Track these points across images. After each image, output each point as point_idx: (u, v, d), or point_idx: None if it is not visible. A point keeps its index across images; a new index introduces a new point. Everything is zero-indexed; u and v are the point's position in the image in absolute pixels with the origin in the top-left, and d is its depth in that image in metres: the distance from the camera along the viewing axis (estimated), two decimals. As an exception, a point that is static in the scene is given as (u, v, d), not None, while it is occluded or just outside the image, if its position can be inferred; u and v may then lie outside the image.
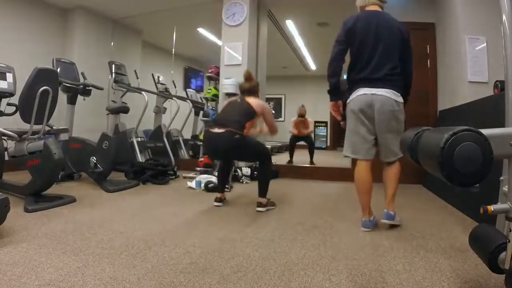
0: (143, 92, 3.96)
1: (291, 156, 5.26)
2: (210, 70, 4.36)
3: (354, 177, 1.92)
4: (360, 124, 1.90)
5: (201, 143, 4.07)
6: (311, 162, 5.06)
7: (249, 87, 2.53)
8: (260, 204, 2.32)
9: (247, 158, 2.50)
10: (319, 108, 7.67)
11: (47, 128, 2.54)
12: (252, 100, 2.44)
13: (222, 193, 2.51)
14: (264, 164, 2.49)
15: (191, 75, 6.47)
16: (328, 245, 1.62)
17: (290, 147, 5.41)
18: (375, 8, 1.98)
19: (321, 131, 8.73)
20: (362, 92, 1.87)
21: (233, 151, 2.32)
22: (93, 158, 2.87)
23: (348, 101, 1.97)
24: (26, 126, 2.32)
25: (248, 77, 2.58)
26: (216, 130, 2.29)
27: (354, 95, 1.91)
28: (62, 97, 3.20)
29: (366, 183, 1.87)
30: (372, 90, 1.83)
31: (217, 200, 2.45)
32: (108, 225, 1.84)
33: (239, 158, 2.45)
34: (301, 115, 5.60)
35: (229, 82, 3.83)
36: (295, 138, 5.49)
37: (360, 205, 1.90)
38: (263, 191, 2.37)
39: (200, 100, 5.15)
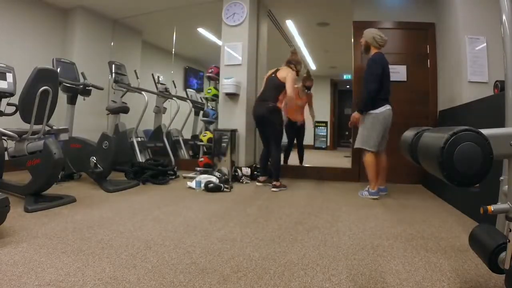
0: (143, 92, 3.97)
1: (287, 157, 4.39)
2: (210, 70, 4.36)
3: (369, 162, 2.83)
4: (385, 128, 2.80)
5: (201, 143, 4.07)
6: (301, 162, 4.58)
7: (289, 59, 3.33)
8: (273, 186, 3.13)
9: (271, 130, 3.25)
10: (319, 108, 7.65)
11: (47, 128, 2.54)
12: (281, 73, 3.24)
13: (264, 178, 3.35)
14: (275, 148, 3.23)
15: (191, 75, 6.48)
16: (328, 245, 1.62)
17: (289, 140, 4.38)
18: (380, 50, 2.88)
19: (321, 131, 8.72)
20: (388, 107, 2.80)
21: (267, 117, 3.18)
22: (93, 158, 2.87)
23: (378, 111, 2.79)
24: (26, 126, 2.32)
25: (293, 51, 3.47)
26: (259, 102, 3.30)
27: (383, 108, 2.78)
28: (62, 97, 3.20)
29: (376, 166, 2.84)
30: (388, 106, 2.81)
31: (258, 181, 3.36)
32: (108, 225, 1.85)
33: (269, 127, 3.25)
34: (307, 87, 4.49)
35: (229, 82, 3.83)
36: (291, 126, 4.33)
37: (371, 180, 2.84)
38: (275, 175, 3.19)
39: (200, 100, 5.15)
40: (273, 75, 3.29)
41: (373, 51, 2.86)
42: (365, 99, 2.78)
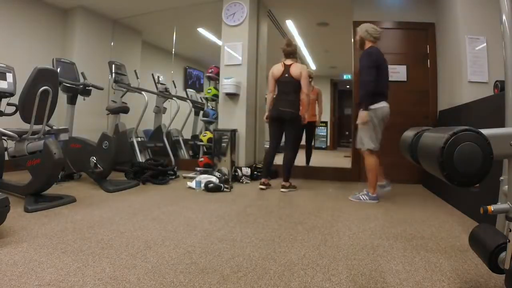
0: (143, 92, 3.97)
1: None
2: (210, 70, 4.36)
3: (373, 164, 2.65)
4: (381, 125, 2.67)
5: (201, 143, 4.07)
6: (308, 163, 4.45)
7: (291, 50, 3.17)
8: (283, 186, 3.11)
9: (291, 134, 3.18)
10: (319, 108, 7.66)
11: (47, 128, 2.54)
12: (293, 69, 3.10)
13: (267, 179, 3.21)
14: (292, 150, 3.22)
15: (195, 76, 6.50)
16: (328, 245, 1.62)
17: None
18: (376, 44, 2.73)
19: (321, 131, 8.73)
20: (385, 104, 2.64)
21: (290, 122, 3.11)
22: (93, 158, 2.87)
23: (376, 107, 2.61)
24: (26, 126, 2.32)
25: (289, 43, 3.22)
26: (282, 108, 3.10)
27: (381, 104, 2.63)
28: (62, 97, 3.20)
29: (378, 165, 2.70)
30: (385, 103, 2.66)
31: (261, 184, 3.16)
32: (108, 225, 1.85)
33: (288, 131, 3.18)
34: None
35: (229, 82, 3.83)
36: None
37: (373, 184, 2.66)
38: (284, 176, 3.16)
39: (200, 100, 5.15)
40: (286, 74, 3.09)
41: (367, 45, 2.73)
42: (362, 93, 2.62)
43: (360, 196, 2.66)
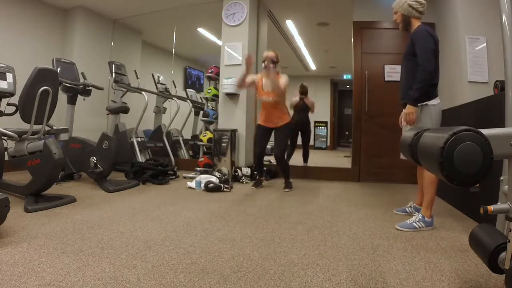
0: (143, 92, 3.97)
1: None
2: (210, 70, 4.36)
3: (434, 178, 1.97)
4: None
5: (201, 143, 4.07)
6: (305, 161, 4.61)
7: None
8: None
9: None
10: (319, 108, 7.65)
11: (47, 128, 2.54)
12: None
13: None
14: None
15: (192, 75, 6.51)
16: (328, 245, 1.62)
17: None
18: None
19: (321, 131, 8.73)
20: (439, 100, 2.08)
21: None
22: (93, 158, 2.87)
23: (435, 103, 2.07)
24: (26, 126, 2.32)
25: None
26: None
27: (438, 100, 2.08)
28: (62, 97, 3.20)
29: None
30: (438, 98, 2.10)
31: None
32: (108, 225, 1.85)
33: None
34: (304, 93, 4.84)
35: (229, 82, 3.83)
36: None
37: (431, 203, 1.98)
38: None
39: (200, 100, 5.15)
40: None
41: (415, 23, 2.14)
42: (424, 83, 1.96)
43: (415, 224, 1.93)
